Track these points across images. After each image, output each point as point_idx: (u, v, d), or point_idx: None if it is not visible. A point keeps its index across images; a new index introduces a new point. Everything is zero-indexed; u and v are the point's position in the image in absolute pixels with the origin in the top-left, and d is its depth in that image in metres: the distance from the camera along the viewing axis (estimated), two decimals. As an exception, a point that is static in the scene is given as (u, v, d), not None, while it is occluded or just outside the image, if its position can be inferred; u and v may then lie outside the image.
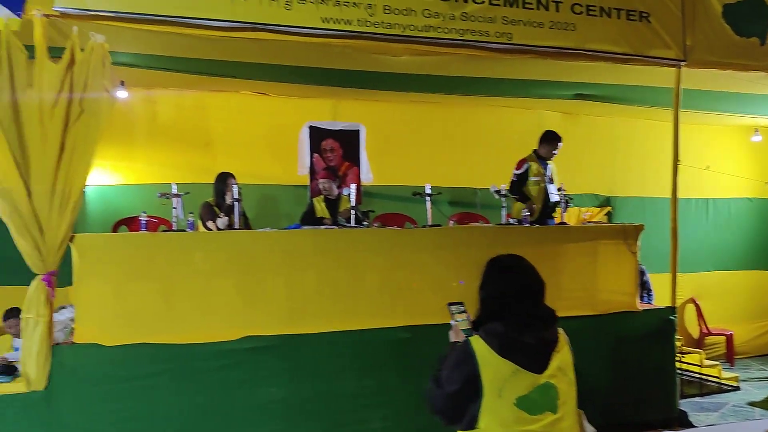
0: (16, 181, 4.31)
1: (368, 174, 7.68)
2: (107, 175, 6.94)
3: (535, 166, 6.76)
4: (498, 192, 6.15)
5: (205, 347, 4.71)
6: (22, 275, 4.51)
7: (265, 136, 7.42)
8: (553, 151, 6.77)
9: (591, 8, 5.45)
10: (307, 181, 7.52)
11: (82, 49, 4.50)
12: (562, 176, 7.01)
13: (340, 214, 6.20)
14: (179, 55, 5.71)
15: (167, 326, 4.72)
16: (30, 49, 4.43)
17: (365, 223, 5.74)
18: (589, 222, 7.15)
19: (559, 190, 6.50)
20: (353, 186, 5.80)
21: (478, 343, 2.41)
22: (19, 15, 4.39)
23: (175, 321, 4.76)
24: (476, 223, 6.40)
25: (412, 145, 7.76)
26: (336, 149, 7.66)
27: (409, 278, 5.25)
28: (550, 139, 6.80)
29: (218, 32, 4.72)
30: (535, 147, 6.89)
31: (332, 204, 6.51)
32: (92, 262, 4.62)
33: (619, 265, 5.79)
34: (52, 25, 4.55)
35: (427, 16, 5.08)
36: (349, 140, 7.72)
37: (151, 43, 5.29)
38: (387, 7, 4.99)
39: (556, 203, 6.57)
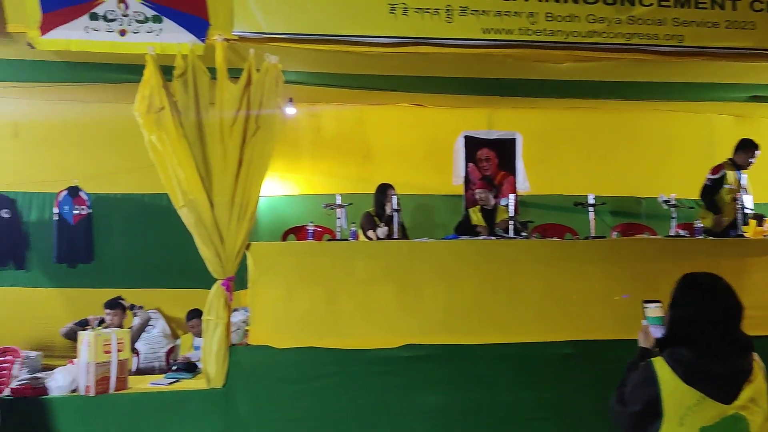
0: (201, 193, 4.69)
1: (525, 183, 7.56)
2: (276, 186, 7.36)
3: (731, 175, 6.30)
4: (667, 201, 5.81)
5: (367, 353, 4.84)
6: (201, 279, 4.89)
7: (421, 147, 7.54)
8: (750, 160, 6.30)
9: (775, 3, 5.04)
10: (462, 191, 7.54)
11: (257, 70, 4.82)
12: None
13: (497, 225, 6.15)
14: (343, 71, 5.96)
15: (332, 331, 4.91)
16: (211, 71, 4.81)
17: (524, 233, 5.65)
18: (769, 234, 6.56)
19: (734, 199, 6.03)
20: (512, 196, 5.73)
21: (661, 368, 2.28)
22: (202, 40, 4.79)
23: (340, 326, 4.94)
24: (643, 235, 6.09)
25: (571, 152, 7.55)
26: (491, 158, 7.62)
27: (571, 291, 5.09)
28: (747, 147, 6.34)
29: (382, 48, 4.87)
30: (725, 154, 6.44)
31: (489, 214, 6.48)
32: (265, 269, 4.91)
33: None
34: (231, 49, 4.91)
35: (592, 21, 4.93)
36: (504, 149, 7.65)
37: (318, 61, 5.56)
38: (549, 15, 4.91)
39: (751, 216, 6.08)
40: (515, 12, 4.87)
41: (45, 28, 4.69)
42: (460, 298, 5.04)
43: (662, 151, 7.55)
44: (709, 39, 5.03)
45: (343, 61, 5.45)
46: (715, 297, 2.36)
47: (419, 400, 4.84)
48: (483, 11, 4.84)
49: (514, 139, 7.65)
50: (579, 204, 5.83)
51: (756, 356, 2.38)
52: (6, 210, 6.95)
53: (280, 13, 4.77)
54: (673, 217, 5.78)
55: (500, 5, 4.85)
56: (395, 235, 5.54)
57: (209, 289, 4.82)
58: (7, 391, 4.80)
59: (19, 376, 5.84)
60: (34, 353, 6.55)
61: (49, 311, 6.98)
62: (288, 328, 4.91)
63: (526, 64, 5.56)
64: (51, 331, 6.77)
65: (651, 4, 4.96)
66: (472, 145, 7.61)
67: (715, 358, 2.25)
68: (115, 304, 5.95)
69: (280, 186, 7.38)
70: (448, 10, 4.82)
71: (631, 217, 7.22)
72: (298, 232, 6.56)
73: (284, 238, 6.68)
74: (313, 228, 5.51)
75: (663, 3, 4.98)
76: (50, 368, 5.92)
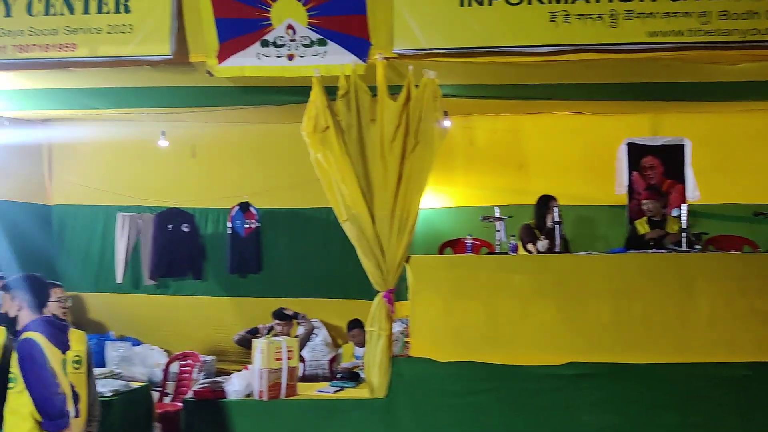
0: (363, 207, 4.85)
1: (695, 192, 7.05)
2: (430, 199, 7.42)
3: None
4: None
5: (529, 370, 4.76)
6: (360, 290, 5.03)
7: (580, 156, 7.28)
8: None
9: None
10: (626, 201, 7.18)
11: (416, 86, 4.90)
12: None
13: (666, 238, 5.81)
14: (499, 82, 5.90)
15: (492, 346, 4.88)
16: (371, 89, 4.95)
17: (697, 246, 5.29)
18: None
19: None
20: (684, 207, 5.38)
21: None
22: (364, 60, 4.96)
23: (500, 341, 4.90)
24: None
25: (749, 158, 6.97)
26: (657, 166, 7.20)
27: (750, 309, 4.72)
28: None
29: (543, 57, 4.78)
30: None
31: (657, 226, 6.13)
32: (425, 282, 4.98)
33: None
34: (390, 66, 5.03)
35: (775, 16, 4.54)
36: (671, 156, 7.19)
37: (475, 74, 5.54)
38: (723, 13, 4.59)
39: None
40: (685, 12, 4.60)
41: (222, 56, 5.08)
42: (628, 314, 4.84)
43: None
44: None
45: (502, 73, 5.40)
46: None
47: (583, 420, 4.71)
48: (649, 14, 4.63)
49: (682, 146, 7.17)
50: (760, 214, 5.42)
51: None
52: (186, 225, 7.56)
53: (439, 29, 4.83)
54: None
55: (668, 6, 4.61)
56: (557, 248, 5.40)
57: (367, 299, 4.96)
58: (189, 393, 5.20)
59: (198, 379, 6.34)
60: (209, 358, 7.09)
61: (222, 319, 7.51)
62: (447, 341, 4.93)
63: (696, 66, 5.22)
64: (224, 337, 7.28)
65: None
66: (636, 152, 7.23)
67: None
68: (283, 315, 6.26)
69: (434, 199, 7.42)
70: (612, 14, 4.64)
71: (820, 227, 6.54)
72: (454, 245, 6.57)
73: (441, 251, 6.72)
74: (471, 241, 5.49)
75: None
76: (223, 372, 6.37)
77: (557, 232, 5.40)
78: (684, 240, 5.24)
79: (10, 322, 3.54)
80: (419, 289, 4.96)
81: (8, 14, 5.20)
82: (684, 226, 5.30)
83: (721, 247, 5.99)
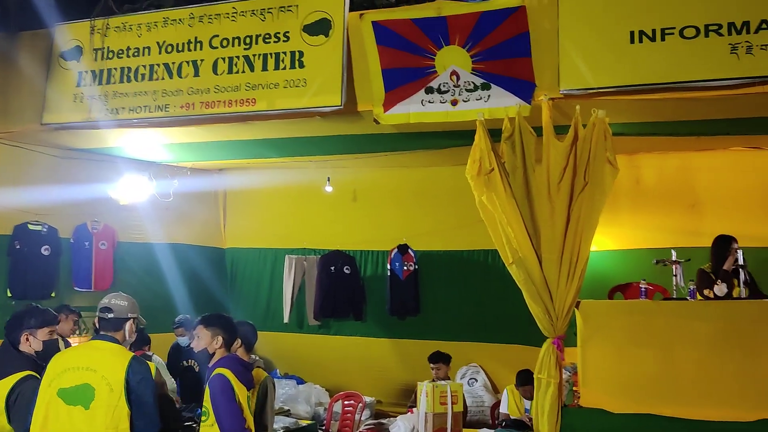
0: (529, 250, 4.75)
1: None
2: (595, 241, 7.16)
3: None
4: None
5: (711, 426, 4.40)
6: (520, 336, 4.89)
7: (759, 194, 6.74)
8: None
9: None
10: (818, 242, 6.53)
11: (584, 125, 4.79)
12: None
13: None
14: (669, 119, 5.62)
15: (669, 398, 4.57)
16: (536, 129, 4.89)
17: None
18: None
19: None
20: None
21: None
22: (529, 102, 4.93)
23: (678, 393, 4.58)
24: None
25: None
26: None
27: None
28: None
29: (723, 91, 4.51)
30: None
31: None
32: (596, 328, 4.78)
33: None
34: (555, 107, 4.95)
35: None
36: None
37: (643, 111, 5.33)
38: None
39: None
40: None
41: (388, 105, 5.25)
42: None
43: None
44: None
45: (671, 109, 5.15)
46: None
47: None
48: None
49: None
50: None
51: None
52: (347, 267, 7.81)
53: (608, 67, 4.71)
54: None
55: None
56: (742, 294, 4.99)
57: (525, 345, 4.82)
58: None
59: (361, 419, 6.45)
60: (370, 399, 7.20)
61: (381, 360, 7.62)
62: (621, 391, 4.68)
63: None
64: (384, 378, 7.38)
65: None
66: (826, 188, 6.59)
67: None
68: (437, 358, 6.20)
69: (598, 241, 7.14)
70: (802, 42, 4.30)
71: None
72: (625, 289, 6.26)
73: (611, 295, 6.43)
74: (645, 286, 5.20)
75: None
76: (382, 414, 6.43)
77: (741, 276, 4.99)
78: None
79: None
80: (590, 336, 4.76)
81: (196, 74, 5.71)
82: None
83: None
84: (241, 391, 3.60)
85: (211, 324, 3.77)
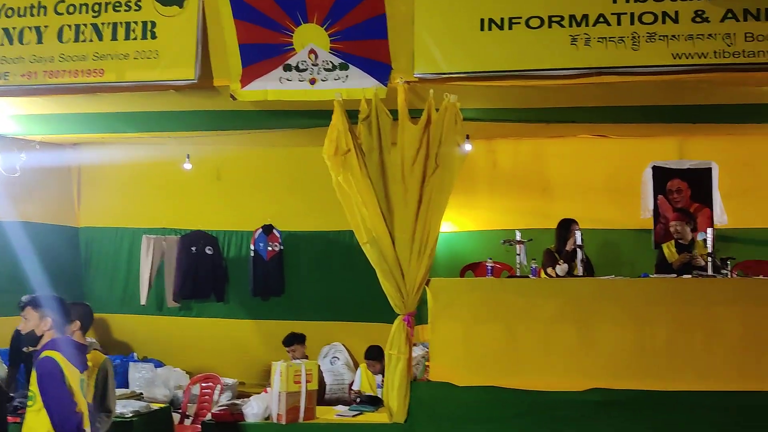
0: (383, 230, 4.84)
1: (723, 216, 6.95)
2: (452, 223, 7.40)
3: None
4: None
5: (551, 396, 4.68)
6: (381, 314, 5.00)
7: (604, 179, 7.22)
8: None
9: None
10: (652, 225, 7.09)
11: (437, 109, 4.91)
12: None
13: (674, 263, 5.73)
14: (520, 106, 5.89)
15: (514, 370, 4.82)
16: (392, 112, 4.98)
17: (724, 271, 5.19)
18: None
19: None
20: (710, 230, 5.30)
21: None
22: (385, 84, 4.99)
23: (522, 366, 4.84)
24: None
25: (778, 182, 6.85)
26: (684, 190, 7.11)
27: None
28: None
29: (563, 81, 4.77)
30: None
31: (684, 249, 6.02)
32: (445, 305, 4.95)
33: None
34: (411, 90, 5.06)
35: (803, 36, 4.48)
36: (698, 180, 7.10)
37: (496, 97, 5.55)
38: (749, 35, 4.54)
39: None
40: (709, 35, 4.56)
41: (245, 80, 5.15)
42: (651, 340, 4.77)
43: None
44: None
45: (523, 96, 5.40)
46: None
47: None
48: (672, 36, 4.59)
49: (709, 169, 7.09)
50: (790, 238, 5.27)
51: None
52: (209, 247, 7.63)
53: (460, 53, 4.85)
54: None
55: (692, 28, 4.57)
56: (579, 272, 5.33)
57: (388, 323, 4.92)
58: (209, 416, 5.20)
59: (219, 401, 6.34)
60: (231, 381, 7.10)
61: (245, 341, 7.52)
62: (468, 366, 4.88)
63: (722, 88, 5.17)
64: (247, 360, 7.29)
65: None
66: (662, 176, 7.15)
67: None
68: (292, 340, 6.24)
69: (457, 222, 7.40)
70: (634, 37, 4.62)
71: None
72: (476, 268, 6.53)
73: (462, 274, 6.68)
74: (492, 264, 5.45)
75: None
76: (246, 395, 6.36)
77: (579, 256, 5.33)
78: (710, 265, 5.14)
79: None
80: (439, 313, 4.92)
81: (39, 41, 5.34)
82: (710, 250, 5.20)
83: (749, 272, 5.86)
84: (72, 374, 3.43)
85: (40, 305, 3.57)
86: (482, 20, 4.77)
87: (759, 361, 4.64)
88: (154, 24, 5.17)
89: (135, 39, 5.21)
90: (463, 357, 4.91)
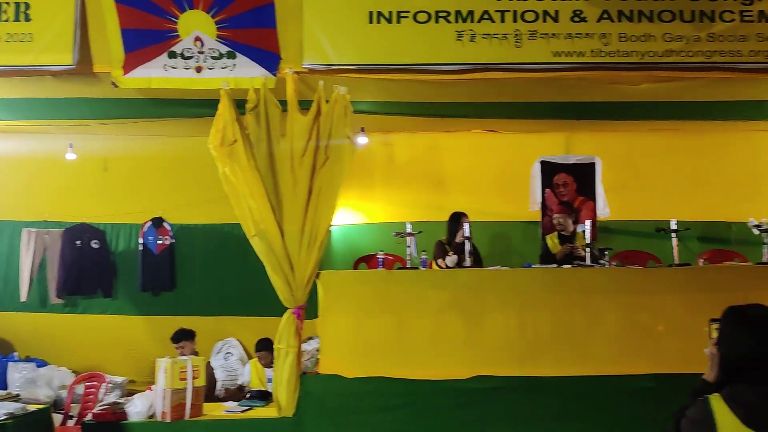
0: (271, 222, 4.78)
1: (605, 209, 7.29)
2: (350, 215, 7.41)
3: None
4: (758, 227, 5.47)
5: (437, 384, 4.76)
6: (276, 307, 4.94)
7: (496, 173, 7.42)
8: None
9: None
10: (539, 218, 7.35)
11: (327, 101, 4.89)
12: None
13: (557, 254, 5.98)
14: (414, 99, 5.95)
15: (402, 361, 4.86)
16: (282, 103, 4.92)
17: (602, 261, 5.44)
18: None
19: None
20: (588, 222, 5.54)
21: (719, 408, 2.10)
22: (274, 74, 4.92)
23: (410, 356, 4.89)
24: (732, 262, 5.75)
25: (654, 176, 7.25)
26: (569, 183, 7.40)
27: (652, 322, 4.86)
28: None
29: (449, 75, 4.85)
30: None
31: (567, 240, 6.27)
32: (335, 297, 4.93)
33: None
34: (301, 81, 5.01)
35: (668, 40, 4.75)
36: (583, 174, 7.41)
37: (388, 91, 5.58)
38: (623, 35, 4.76)
39: None
40: (586, 34, 4.76)
41: (127, 67, 4.95)
42: (533, 328, 4.91)
43: (754, 173, 7.14)
44: (799, 53, 4.74)
45: (414, 90, 5.45)
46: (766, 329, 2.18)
47: (492, 434, 4.72)
48: (553, 34, 4.76)
49: (593, 164, 7.41)
50: (661, 230, 5.59)
51: None
52: (96, 241, 7.30)
53: (349, 45, 4.84)
54: (764, 243, 5.43)
55: (570, 27, 4.76)
56: (468, 264, 5.45)
57: (280, 317, 4.88)
58: (90, 416, 4.99)
59: (104, 400, 6.10)
60: (120, 379, 6.83)
61: (134, 338, 7.25)
62: (358, 357, 4.90)
63: (601, 86, 5.41)
64: (136, 357, 7.04)
65: (732, 20, 4.74)
66: (549, 170, 7.42)
67: None
68: (180, 337, 6.10)
69: (354, 215, 7.42)
70: (516, 34, 4.76)
71: (720, 243, 6.85)
72: (369, 260, 6.57)
73: (356, 266, 6.70)
74: (383, 256, 5.49)
75: (746, 18, 4.75)
76: (135, 393, 6.14)
77: (467, 248, 5.45)
78: (588, 255, 5.38)
79: None
80: (329, 305, 4.91)
81: None
82: (588, 241, 5.44)
83: (627, 262, 6.17)
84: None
85: None
86: (371, 13, 4.79)
87: (634, 346, 4.86)
88: (27, 5, 4.90)
89: (7, 21, 4.92)
90: (353, 349, 4.92)
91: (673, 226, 5.42)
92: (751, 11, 4.77)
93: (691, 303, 4.77)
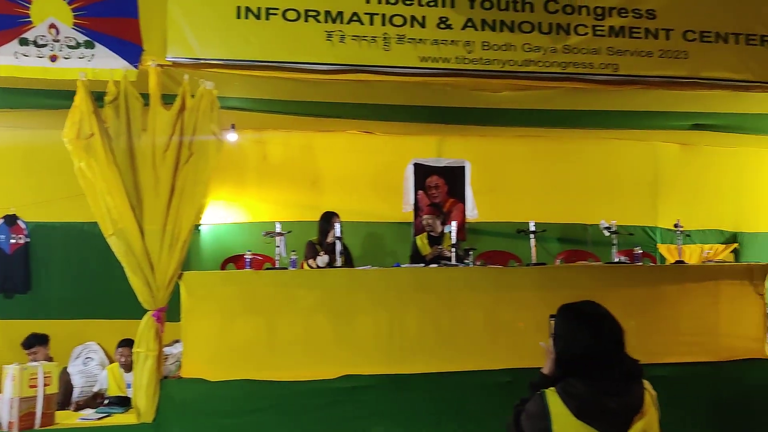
0: (131, 221, 4.57)
1: (474, 210, 7.57)
2: (221, 214, 7.25)
3: None
4: (608, 228, 5.86)
5: (305, 385, 4.73)
6: (138, 310, 4.75)
7: (370, 174, 7.51)
8: None
9: (705, 34, 5.13)
10: (412, 218, 7.51)
11: (192, 96, 4.75)
12: (681, 210, 6.60)
13: (426, 255, 6.15)
14: (286, 98, 5.91)
15: (269, 363, 4.80)
16: (145, 97, 4.72)
17: (466, 261, 5.63)
18: (710, 260, 6.65)
19: (675, 225, 6.08)
20: (454, 223, 5.72)
21: (554, 402, 2.24)
22: (135, 66, 4.70)
23: (277, 357, 4.83)
24: (585, 261, 6.12)
25: (518, 180, 7.60)
26: (441, 186, 7.63)
27: (511, 319, 5.07)
28: None
29: (319, 75, 4.84)
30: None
31: (436, 241, 6.45)
32: (199, 299, 4.79)
33: (745, 307, 5.32)
34: (165, 74, 4.82)
35: (528, 50, 4.97)
36: (454, 177, 7.66)
37: (259, 88, 5.50)
38: (485, 44, 4.93)
39: None
40: (452, 41, 4.89)
41: (-27, 55, 4.57)
42: (401, 327, 4.98)
43: (608, 179, 7.65)
44: (643, 68, 5.09)
45: (284, 88, 5.41)
46: (603, 327, 2.33)
47: (361, 432, 4.75)
48: (420, 39, 4.85)
49: (463, 167, 7.67)
50: (521, 231, 5.84)
51: (647, 384, 2.35)
52: (-59, 239, 6.74)
53: (215, 39, 4.71)
54: (613, 244, 5.82)
55: (437, 34, 4.87)
56: (337, 264, 5.47)
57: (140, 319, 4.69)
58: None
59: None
60: (-35, 388, 6.30)
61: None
62: (223, 360, 4.78)
63: (467, 92, 5.57)
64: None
65: (586, 34, 5.02)
66: (422, 172, 7.62)
67: (607, 393, 2.21)
68: (32, 342, 5.76)
69: (225, 213, 7.26)
70: (385, 38, 4.81)
71: (577, 243, 7.27)
72: (237, 260, 6.45)
73: (223, 267, 6.57)
74: (251, 256, 5.40)
75: (598, 32, 5.04)
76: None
77: (338, 248, 5.47)
78: (454, 255, 5.55)
79: None
80: (193, 307, 4.76)
81: None
82: (454, 241, 5.61)
83: (490, 262, 6.42)
84: None
85: None
86: (239, 8, 4.68)
87: (496, 342, 5.04)
88: None
89: None
90: (218, 352, 4.80)
91: (532, 228, 5.69)
92: (603, 26, 5.07)
93: (546, 300, 4.97)
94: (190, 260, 6.96)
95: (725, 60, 5.14)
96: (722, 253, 7.57)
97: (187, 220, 4.69)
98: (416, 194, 7.56)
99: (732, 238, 7.90)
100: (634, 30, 5.08)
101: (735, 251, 7.79)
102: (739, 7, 5.21)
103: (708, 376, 5.02)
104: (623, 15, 5.07)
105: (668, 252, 7.35)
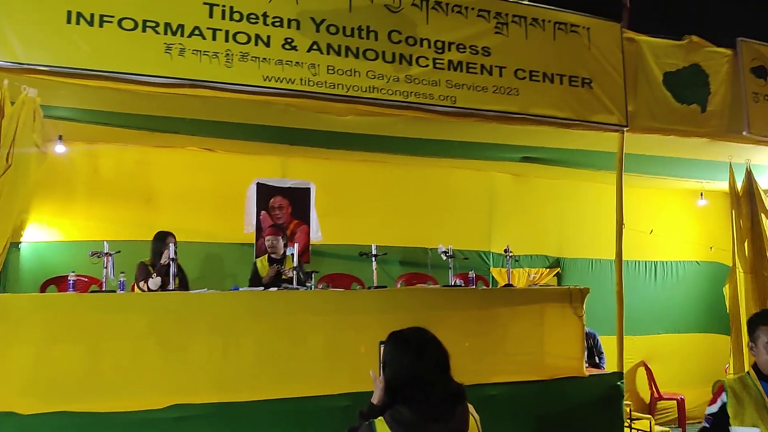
0: (-68, 238, 4.09)
1: (318, 233, 7.55)
2: (44, 232, 6.69)
3: None
4: (445, 252, 6.07)
5: (129, 416, 4.42)
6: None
7: (210, 193, 7.26)
8: None
9: (534, 74, 5.52)
10: (254, 240, 7.36)
11: (12, 103, 4.36)
12: (512, 236, 6.98)
13: (264, 277, 6.06)
14: (117, 110, 5.59)
15: (91, 393, 4.44)
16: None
17: (308, 284, 5.58)
18: (535, 284, 7.10)
19: (505, 251, 6.44)
20: (296, 245, 5.67)
21: (383, 430, 2.25)
22: (-54, 66, 4.25)
23: (100, 387, 4.49)
24: (424, 284, 6.29)
25: (361, 204, 7.69)
26: (285, 207, 7.54)
27: (351, 343, 5.07)
28: None
29: (156, 88, 4.62)
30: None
31: (276, 263, 6.35)
32: (13, 325, 4.36)
33: (566, 328, 5.70)
34: (-19, 77, 4.40)
35: (372, 77, 5.07)
36: (298, 198, 7.61)
37: (89, 98, 5.17)
38: (330, 68, 4.97)
39: None
40: (296, 62, 4.88)
41: None
42: (236, 353, 4.82)
43: (447, 205, 7.95)
44: (479, 102, 5.37)
45: (116, 99, 5.11)
46: (425, 353, 2.39)
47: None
48: (264, 59, 4.80)
49: (308, 189, 7.65)
50: (363, 254, 5.90)
51: (470, 407, 2.43)
52: None
53: (42, 43, 4.37)
54: (450, 267, 6.04)
55: (281, 54, 4.84)
56: (170, 287, 5.21)
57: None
58: None
59: None
60: None
61: None
62: (38, 391, 4.36)
63: (312, 114, 5.57)
64: None
65: (426, 66, 5.21)
66: (265, 192, 7.49)
67: (433, 418, 2.26)
68: None
69: (50, 231, 6.70)
70: (227, 54, 4.71)
71: (418, 266, 7.45)
72: (60, 282, 5.96)
73: (44, 289, 6.04)
74: (75, 278, 5.00)
75: (437, 65, 5.26)
76: None
77: (172, 270, 5.22)
78: (295, 277, 5.48)
79: None
80: (6, 333, 4.31)
81: None
82: (296, 264, 5.55)
83: (333, 285, 6.43)
84: None
85: None
86: (69, 12, 4.39)
87: (336, 367, 5.01)
88: None
89: None
90: (34, 382, 4.36)
91: (374, 251, 5.77)
92: (443, 59, 5.30)
93: (386, 323, 5.03)
94: (7, 281, 6.40)
95: (551, 98, 5.56)
96: (546, 277, 8.11)
97: (2, 236, 4.27)
98: (259, 215, 7.42)
99: (555, 263, 8.49)
100: (471, 65, 5.35)
101: (558, 275, 8.37)
102: (564, 50, 5.66)
103: (534, 394, 5.31)
104: (461, 50, 5.32)
105: (500, 275, 7.75)
